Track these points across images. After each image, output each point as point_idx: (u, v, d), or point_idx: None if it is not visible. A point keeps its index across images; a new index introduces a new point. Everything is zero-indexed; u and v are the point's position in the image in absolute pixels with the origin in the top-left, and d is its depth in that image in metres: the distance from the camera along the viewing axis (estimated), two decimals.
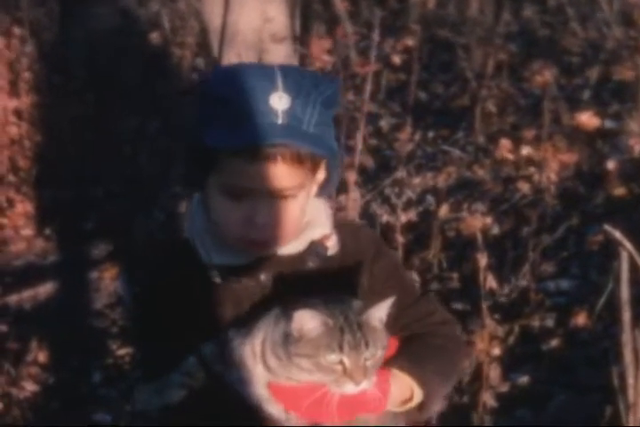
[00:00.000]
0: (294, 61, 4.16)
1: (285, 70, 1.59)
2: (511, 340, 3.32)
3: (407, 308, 1.68)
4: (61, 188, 4.73)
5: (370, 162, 4.10)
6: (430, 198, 4.15)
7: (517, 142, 4.47)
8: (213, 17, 4.07)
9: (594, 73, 5.58)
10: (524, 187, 4.25)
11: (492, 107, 5.18)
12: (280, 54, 4.01)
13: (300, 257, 1.65)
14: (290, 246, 1.65)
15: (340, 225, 1.71)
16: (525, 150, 4.38)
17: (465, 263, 3.69)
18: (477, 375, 3.01)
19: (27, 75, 4.84)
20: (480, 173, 4.59)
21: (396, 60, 4.79)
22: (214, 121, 1.58)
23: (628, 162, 4.42)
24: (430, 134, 5.18)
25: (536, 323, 3.48)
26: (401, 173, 3.94)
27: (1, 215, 4.65)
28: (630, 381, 2.45)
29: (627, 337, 2.44)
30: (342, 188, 3.27)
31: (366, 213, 3.54)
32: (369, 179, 4.20)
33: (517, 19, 6.92)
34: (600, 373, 2.91)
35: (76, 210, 4.65)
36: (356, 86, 4.20)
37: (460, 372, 1.81)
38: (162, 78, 5.24)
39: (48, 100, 4.85)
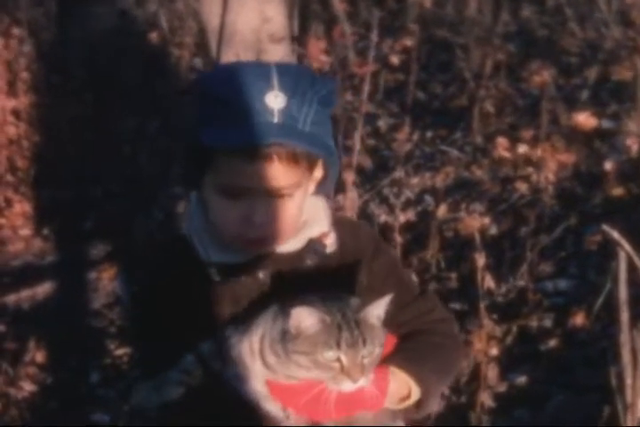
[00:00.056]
0: (292, 62, 4.16)
1: (282, 69, 1.59)
2: (509, 340, 3.32)
3: (406, 305, 1.68)
4: (60, 188, 4.73)
5: (368, 162, 4.11)
6: (428, 198, 4.16)
7: (515, 142, 4.47)
8: (211, 17, 4.06)
9: (592, 73, 5.58)
10: (522, 187, 4.24)
11: (490, 107, 5.18)
12: (278, 54, 4.00)
13: (299, 255, 1.65)
14: (288, 244, 1.65)
15: (339, 223, 1.71)
16: (523, 150, 4.37)
17: (463, 263, 3.69)
18: (475, 375, 3.01)
19: (25, 75, 4.83)
20: (478, 173, 4.59)
21: (395, 60, 4.80)
22: (211, 120, 1.58)
23: (626, 162, 4.41)
24: (428, 134, 5.18)
25: (534, 323, 3.48)
26: (399, 173, 3.95)
27: None
28: (628, 381, 2.45)
29: (625, 337, 2.43)
30: (340, 188, 3.26)
31: (364, 213, 3.54)
32: (367, 179, 4.20)
33: (516, 19, 6.92)
34: (598, 373, 2.91)
35: (74, 210, 4.65)
36: (354, 86, 4.22)
37: (457, 370, 1.81)
38: (160, 78, 5.24)
39: (46, 100, 4.85)
